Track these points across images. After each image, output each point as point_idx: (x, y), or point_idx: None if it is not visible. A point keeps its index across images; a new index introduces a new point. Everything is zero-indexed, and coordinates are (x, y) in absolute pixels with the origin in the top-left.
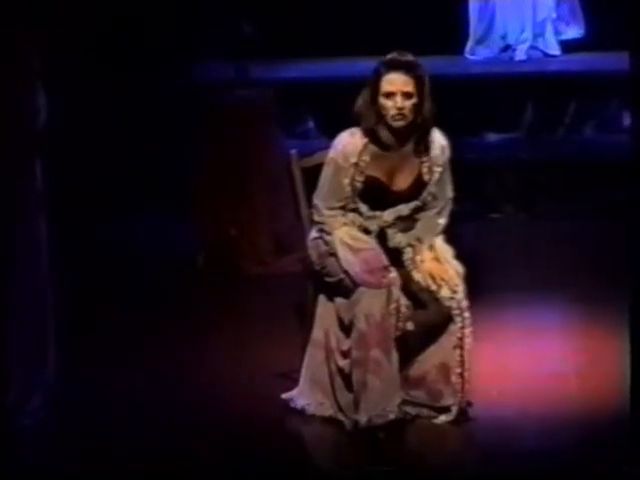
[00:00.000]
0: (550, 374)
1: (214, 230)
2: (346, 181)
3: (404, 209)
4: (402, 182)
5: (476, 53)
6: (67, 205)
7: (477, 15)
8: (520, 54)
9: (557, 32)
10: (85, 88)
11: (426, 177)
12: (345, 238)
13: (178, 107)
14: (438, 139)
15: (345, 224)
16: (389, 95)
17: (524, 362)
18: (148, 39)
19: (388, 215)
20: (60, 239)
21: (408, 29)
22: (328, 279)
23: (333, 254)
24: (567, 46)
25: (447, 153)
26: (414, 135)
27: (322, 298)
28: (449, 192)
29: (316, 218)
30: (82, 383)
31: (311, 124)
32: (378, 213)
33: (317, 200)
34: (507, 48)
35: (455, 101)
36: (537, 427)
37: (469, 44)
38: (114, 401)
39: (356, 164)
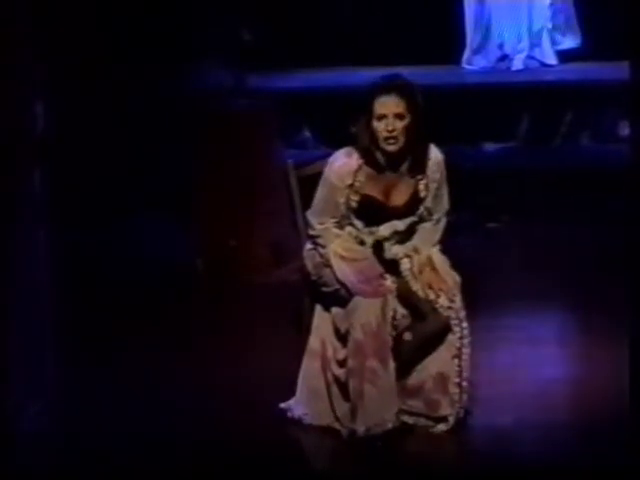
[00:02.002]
0: (548, 382)
1: (213, 239)
2: (341, 200)
3: (400, 224)
4: (398, 199)
5: (473, 63)
6: (67, 209)
7: (473, 25)
8: (517, 64)
9: (553, 42)
10: (85, 94)
11: (422, 194)
12: (339, 250)
13: (177, 115)
14: (434, 155)
15: (338, 235)
16: (381, 117)
17: (522, 370)
18: (147, 47)
19: (384, 230)
20: (60, 243)
21: (405, 39)
22: (324, 289)
23: (328, 265)
24: (564, 56)
25: (443, 169)
26: (409, 155)
27: (319, 308)
28: (445, 204)
29: (310, 233)
30: (82, 387)
31: (308, 134)
32: (374, 229)
33: (311, 216)
34: (504, 58)
35: (452, 111)
36: (535, 435)
37: (466, 54)
38: (113, 404)
39: (351, 185)
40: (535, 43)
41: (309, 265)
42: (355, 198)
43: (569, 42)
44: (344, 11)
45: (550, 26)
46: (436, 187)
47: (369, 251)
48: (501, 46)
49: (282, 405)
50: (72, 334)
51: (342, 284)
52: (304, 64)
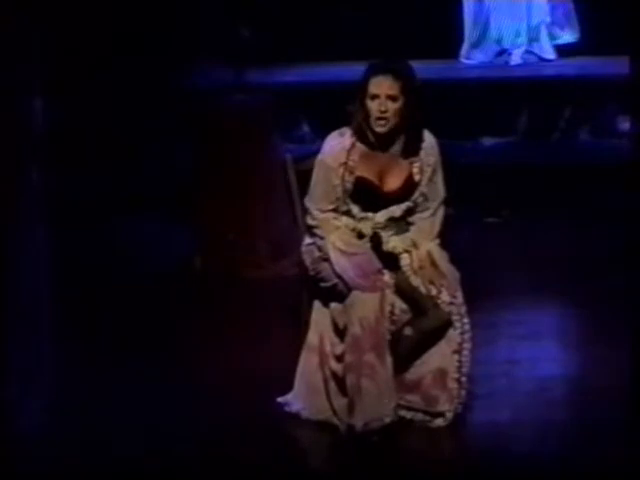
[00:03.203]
0: (547, 378)
1: (211, 234)
2: (337, 182)
3: (396, 210)
4: (393, 183)
5: (471, 57)
6: (66, 208)
7: (472, 19)
8: (515, 58)
9: (552, 36)
10: (85, 92)
11: (417, 177)
12: (337, 243)
13: (177, 111)
14: (428, 139)
15: (338, 228)
16: (374, 97)
17: (521, 366)
18: (147, 44)
19: (380, 216)
20: (59, 242)
21: (404, 33)
22: (322, 284)
23: (326, 259)
24: (562, 50)
25: (437, 153)
26: (401, 137)
27: (317, 303)
28: (441, 192)
29: (309, 222)
30: (81, 386)
31: (307, 128)
32: (370, 215)
33: (309, 203)
34: (502, 52)
35: (450, 105)
36: (534, 431)
37: (464, 48)
38: (113, 404)
39: (345, 163)
40: (533, 38)
41: (307, 260)
42: (350, 179)
43: (567, 37)
44: (343, 5)
45: (548, 21)
46: (431, 171)
47: (367, 246)
48: (499, 41)
49: (280, 399)
50: (72, 334)
51: (340, 278)
52: (302, 59)
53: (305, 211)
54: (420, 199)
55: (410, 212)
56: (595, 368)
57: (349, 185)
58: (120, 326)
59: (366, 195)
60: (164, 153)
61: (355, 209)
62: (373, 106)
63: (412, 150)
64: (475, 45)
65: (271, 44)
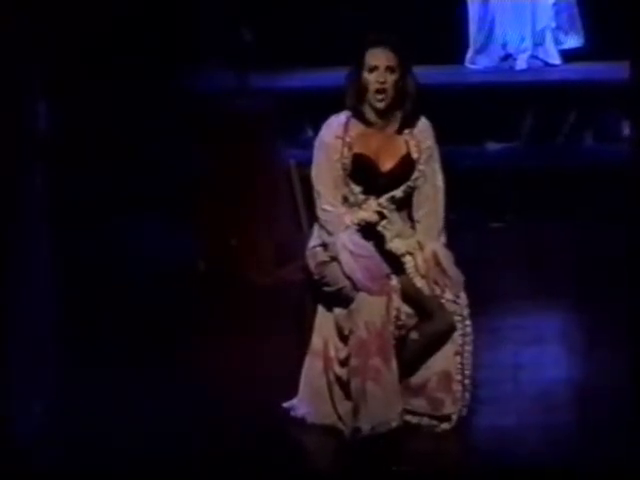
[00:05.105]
0: (552, 382)
1: (215, 239)
2: (336, 156)
3: (397, 192)
4: (390, 161)
5: (476, 62)
6: (68, 210)
7: (477, 24)
8: (520, 63)
9: (557, 41)
10: (86, 95)
11: (414, 155)
12: (347, 244)
13: (180, 115)
14: (423, 121)
15: (347, 227)
16: (373, 69)
17: (525, 370)
18: (149, 47)
19: (382, 198)
20: (59, 241)
21: (408, 38)
22: (327, 289)
23: (333, 258)
24: (567, 55)
25: (432, 136)
26: (397, 113)
27: (321, 307)
28: (440, 181)
29: (320, 214)
30: (82, 387)
31: (311, 133)
32: (372, 198)
33: (319, 187)
34: (507, 57)
35: (455, 110)
36: (539, 435)
37: (469, 53)
38: (114, 404)
39: (342, 138)
40: (538, 42)
41: (312, 264)
42: (348, 155)
43: (572, 41)
44: (347, 10)
45: (553, 25)
46: (429, 154)
47: (373, 249)
48: (504, 45)
49: (285, 404)
50: (72, 334)
51: (349, 278)
52: (306, 63)
53: (314, 193)
54: (420, 180)
55: (410, 193)
56: (598, 371)
57: (347, 162)
58: (120, 326)
59: (365, 174)
60: (164, 153)
61: (356, 189)
62: (371, 78)
63: (409, 124)
64: (480, 50)
65: (274, 48)
